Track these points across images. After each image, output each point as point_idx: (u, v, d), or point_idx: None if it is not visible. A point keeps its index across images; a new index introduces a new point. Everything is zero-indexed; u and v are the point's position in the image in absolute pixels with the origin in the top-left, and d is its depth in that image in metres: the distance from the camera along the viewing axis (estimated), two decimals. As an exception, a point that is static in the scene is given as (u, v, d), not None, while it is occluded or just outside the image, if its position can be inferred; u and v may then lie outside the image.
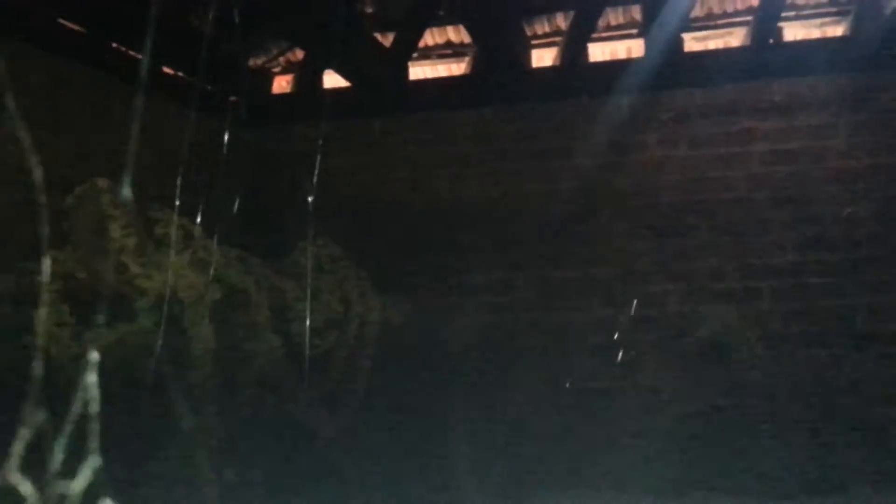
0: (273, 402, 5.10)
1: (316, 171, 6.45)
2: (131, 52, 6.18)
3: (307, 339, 5.26)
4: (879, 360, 5.94)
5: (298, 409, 5.22)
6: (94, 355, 3.28)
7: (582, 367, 6.31)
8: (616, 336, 6.26)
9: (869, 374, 5.94)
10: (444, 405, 6.26)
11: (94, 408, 2.99)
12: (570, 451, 6.21)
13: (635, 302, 6.27)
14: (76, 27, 5.82)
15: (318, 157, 6.60)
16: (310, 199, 6.04)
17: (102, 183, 4.71)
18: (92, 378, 3.21)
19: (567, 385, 6.27)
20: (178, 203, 5.01)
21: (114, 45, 6.12)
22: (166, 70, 6.42)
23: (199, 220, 5.04)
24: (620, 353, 6.24)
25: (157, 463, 4.60)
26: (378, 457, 6.01)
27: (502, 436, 6.30)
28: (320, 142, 6.63)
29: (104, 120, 5.69)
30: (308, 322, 5.34)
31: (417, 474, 6.09)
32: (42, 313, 4.18)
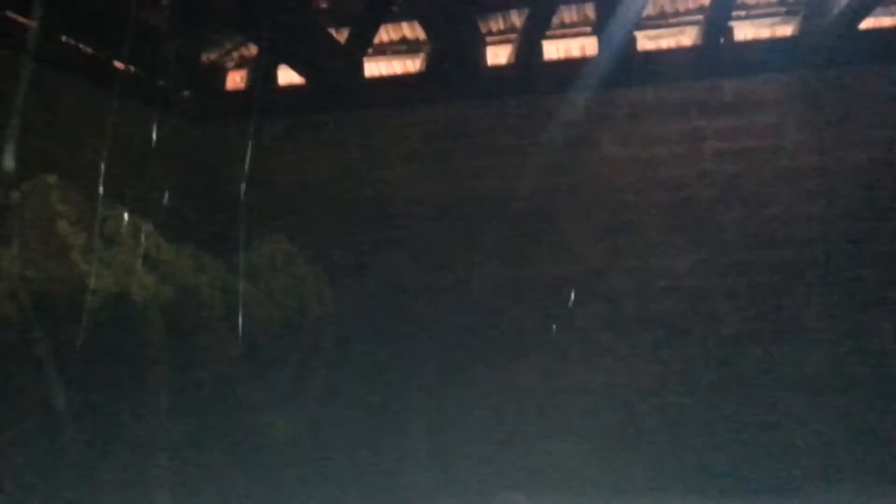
0: (226, 399, 5.08)
1: (269, 167, 6.46)
2: (83, 47, 6.12)
3: (261, 337, 5.27)
4: (828, 357, 6.05)
5: (251, 405, 5.21)
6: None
7: (538, 365, 6.36)
8: (571, 333, 6.32)
9: (818, 370, 6.05)
10: (399, 403, 6.31)
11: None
12: (527, 449, 6.27)
13: (590, 299, 6.33)
14: (25, 21, 5.75)
15: (272, 153, 6.63)
16: (262, 194, 6.05)
17: (51, 179, 4.66)
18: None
19: (524, 383, 6.34)
20: (128, 200, 5.00)
21: (64, 39, 6.05)
22: (118, 65, 6.34)
23: (149, 216, 5.02)
24: (576, 351, 6.30)
25: (106, 464, 4.56)
26: (335, 452, 6.03)
27: (457, 435, 6.36)
28: (274, 138, 6.65)
29: (54, 116, 5.63)
30: (262, 320, 5.35)
31: (375, 468, 6.13)
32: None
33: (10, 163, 4.71)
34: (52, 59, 5.76)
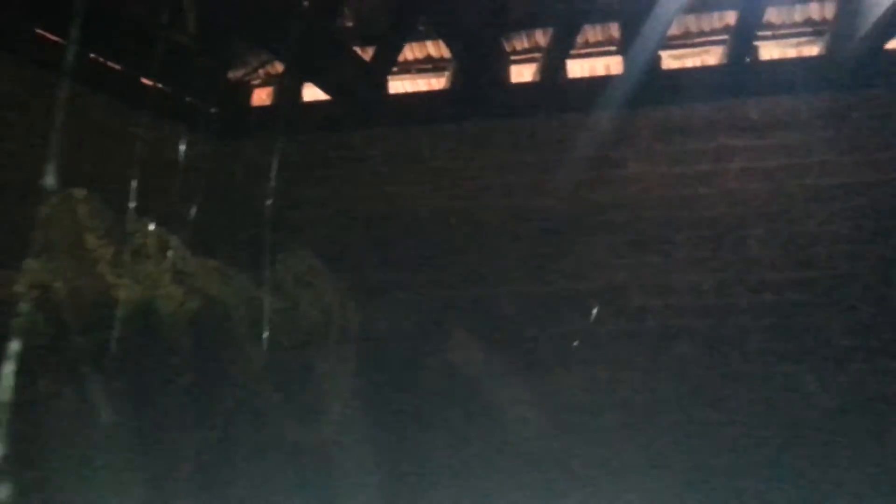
0: (251, 412, 5.07)
1: (294, 183, 6.49)
2: (110, 64, 6.17)
3: (286, 351, 5.27)
4: (856, 376, 6.00)
5: (278, 419, 5.20)
6: (15, 346, 3.36)
7: (561, 382, 6.34)
8: (595, 351, 6.29)
9: (846, 389, 6.00)
10: (421, 417, 6.30)
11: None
12: (553, 466, 6.25)
13: (615, 317, 6.31)
14: (54, 37, 5.81)
15: (297, 169, 6.65)
16: (287, 210, 6.07)
17: (77, 192, 4.69)
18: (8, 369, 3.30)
19: (546, 400, 6.31)
20: (154, 214, 5.04)
21: (92, 55, 6.11)
22: (145, 82, 6.40)
23: (175, 231, 5.04)
24: (600, 369, 6.28)
25: (132, 477, 4.56)
26: (358, 465, 6.01)
27: (479, 452, 6.33)
28: (299, 153, 6.68)
29: (82, 130, 5.67)
30: (287, 333, 5.35)
31: (399, 480, 6.13)
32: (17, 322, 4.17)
33: (41, 176, 4.75)
34: (80, 76, 5.82)
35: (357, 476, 5.89)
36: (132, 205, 4.90)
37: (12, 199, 5.00)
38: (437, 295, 6.54)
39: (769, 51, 6.71)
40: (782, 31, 6.67)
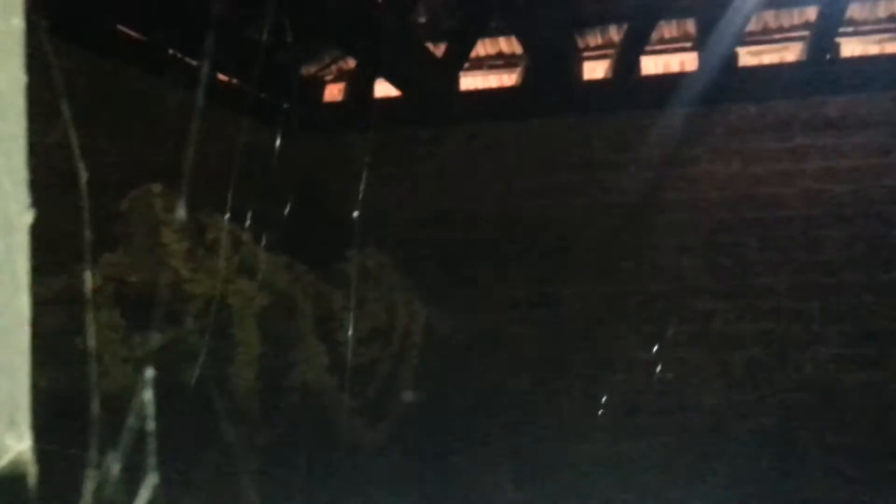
0: (316, 411, 5.12)
1: (365, 181, 6.50)
2: (187, 60, 6.27)
3: (352, 348, 5.29)
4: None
5: (341, 418, 5.24)
6: (150, 373, 3.35)
7: (626, 384, 6.27)
8: (661, 352, 6.20)
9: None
10: (487, 419, 6.27)
11: (151, 425, 3.04)
12: (614, 470, 6.17)
13: (682, 319, 6.21)
14: (134, 34, 5.92)
15: (368, 167, 6.66)
16: (358, 207, 6.10)
17: (155, 187, 4.77)
18: (148, 395, 3.28)
19: (610, 401, 6.24)
20: (228, 209, 5.11)
21: (170, 51, 6.20)
22: (219, 77, 6.49)
23: (248, 226, 5.10)
24: (666, 371, 6.18)
25: (198, 471, 4.63)
26: (419, 468, 6.02)
27: (544, 453, 6.28)
28: (370, 151, 6.69)
29: (155, 125, 5.78)
30: (353, 331, 5.37)
31: (460, 487, 6.10)
32: (93, 317, 4.27)
33: (120, 171, 4.86)
34: (154, 69, 5.92)
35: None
36: (205, 200, 4.97)
37: (91, 193, 5.10)
38: (502, 293, 6.50)
39: (850, 48, 6.50)
40: (865, 28, 6.45)
